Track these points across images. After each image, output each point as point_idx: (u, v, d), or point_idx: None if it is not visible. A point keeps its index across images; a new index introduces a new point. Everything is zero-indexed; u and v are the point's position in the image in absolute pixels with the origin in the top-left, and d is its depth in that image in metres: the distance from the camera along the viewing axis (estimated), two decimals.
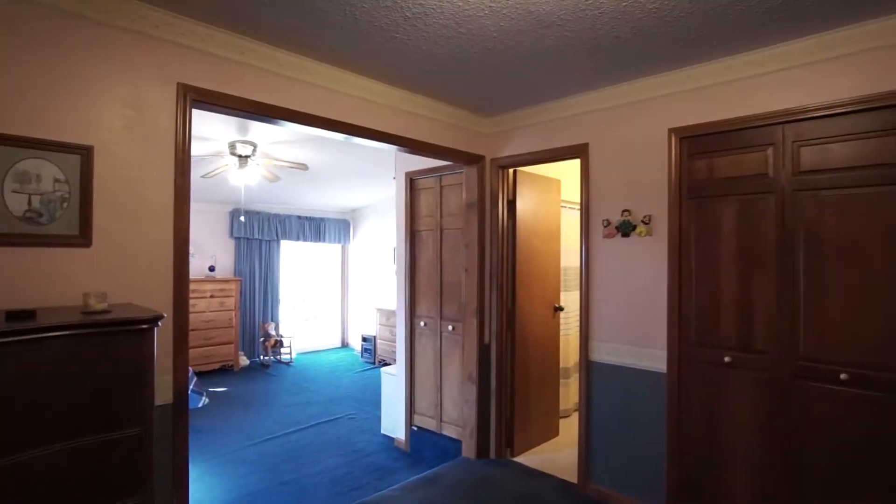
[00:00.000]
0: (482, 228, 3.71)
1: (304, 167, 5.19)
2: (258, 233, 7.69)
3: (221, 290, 7.00)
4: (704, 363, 2.70)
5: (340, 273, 9.17)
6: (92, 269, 1.95)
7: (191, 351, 6.50)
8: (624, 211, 3.00)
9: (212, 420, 4.94)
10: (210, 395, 5.48)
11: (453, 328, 3.90)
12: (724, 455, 2.64)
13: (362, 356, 7.93)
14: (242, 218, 7.23)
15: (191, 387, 4.57)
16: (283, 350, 7.76)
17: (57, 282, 1.86)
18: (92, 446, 1.48)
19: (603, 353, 3.11)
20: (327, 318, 9.03)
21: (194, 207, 7.07)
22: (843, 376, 2.26)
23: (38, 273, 1.83)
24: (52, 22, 1.88)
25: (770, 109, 2.48)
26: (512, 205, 3.77)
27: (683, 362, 2.77)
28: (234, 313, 7.08)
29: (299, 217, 8.22)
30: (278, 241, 8.02)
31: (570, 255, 4.53)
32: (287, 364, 7.62)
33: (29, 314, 1.49)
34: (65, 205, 1.90)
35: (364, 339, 7.89)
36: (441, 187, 4.02)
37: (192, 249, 6.83)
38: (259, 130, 4.49)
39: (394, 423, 4.38)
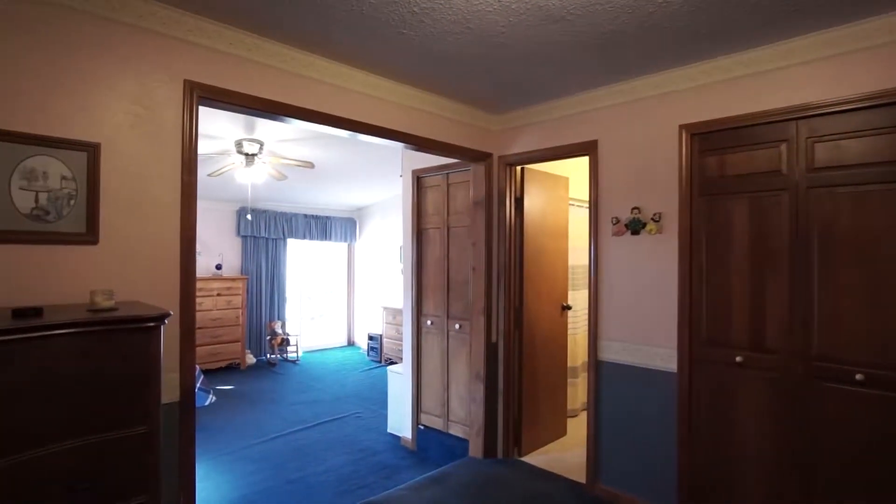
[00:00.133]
0: (490, 226, 3.68)
1: (310, 165, 5.18)
2: (265, 231, 7.70)
3: (228, 288, 7.01)
4: (715, 363, 2.66)
5: (346, 271, 9.17)
6: (99, 266, 1.94)
7: (198, 349, 6.55)
8: (633, 208, 2.97)
9: (218, 418, 4.95)
10: (217, 392, 5.51)
11: (460, 327, 3.88)
12: (735, 456, 2.60)
13: (368, 355, 7.93)
14: (249, 216, 7.24)
15: (198, 385, 4.59)
16: (289, 348, 7.77)
17: (64, 279, 1.86)
18: (98, 445, 1.48)
19: (612, 353, 3.08)
20: (333, 317, 9.04)
21: (201, 206, 7.07)
22: (858, 377, 2.22)
23: (45, 271, 1.82)
24: (59, 19, 1.87)
25: (783, 105, 2.44)
26: (520, 202, 3.75)
27: (694, 362, 2.73)
28: (240, 311, 7.09)
29: (306, 215, 8.22)
30: (285, 240, 8.03)
31: (577, 253, 4.49)
32: (293, 362, 7.63)
33: (36, 312, 1.49)
34: (72, 202, 1.89)
35: (370, 338, 7.89)
36: (448, 185, 4.00)
37: (199, 248, 6.87)
38: (265, 129, 4.48)
39: (400, 421, 4.37)
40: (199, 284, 6.65)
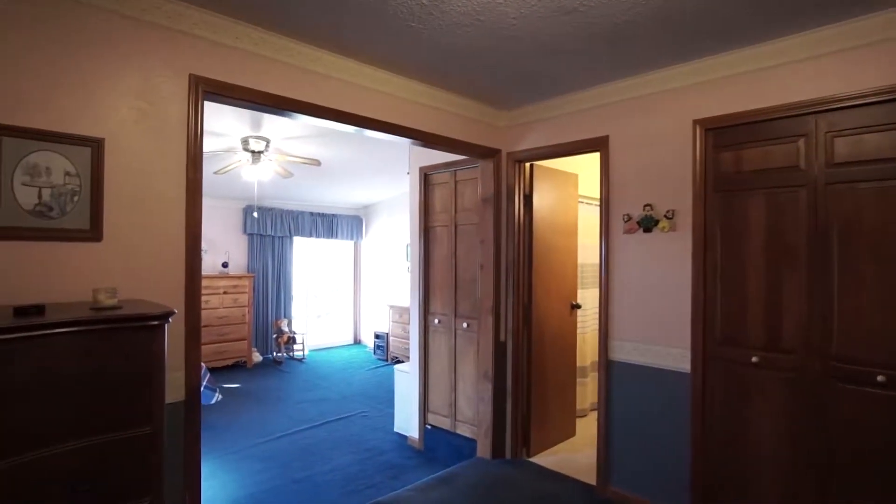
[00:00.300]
0: (498, 224, 3.63)
1: (316, 163, 5.15)
2: (271, 229, 7.69)
3: (235, 286, 7.01)
4: (730, 363, 2.60)
5: (353, 269, 9.15)
6: (103, 263, 1.91)
7: (204, 347, 6.54)
8: (646, 205, 2.91)
9: (225, 416, 4.93)
10: (223, 391, 5.50)
11: (468, 325, 3.83)
12: (750, 458, 2.54)
13: (375, 353, 7.90)
14: (255, 214, 7.23)
15: (204, 383, 4.57)
16: (295, 347, 7.76)
17: (67, 277, 1.83)
18: (100, 446, 1.44)
19: (623, 352, 3.02)
20: (340, 315, 9.02)
21: (207, 204, 7.09)
22: (880, 378, 2.15)
23: (48, 268, 1.79)
24: (63, 12, 1.84)
25: (802, 99, 2.37)
26: (528, 199, 3.69)
27: (708, 362, 2.67)
28: (247, 309, 7.08)
29: (312, 213, 8.20)
30: (291, 238, 8.01)
31: (586, 251, 4.43)
32: (300, 361, 7.62)
33: (38, 309, 1.45)
34: (75, 198, 1.86)
35: (377, 336, 7.86)
36: (456, 182, 3.95)
37: (205, 246, 6.87)
38: (272, 126, 4.45)
39: (407, 421, 4.33)
40: (205, 282, 6.64)
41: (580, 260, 4.28)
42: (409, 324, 6.67)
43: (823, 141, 2.33)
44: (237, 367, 7.01)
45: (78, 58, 1.87)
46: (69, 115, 1.85)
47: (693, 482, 2.70)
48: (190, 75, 2.14)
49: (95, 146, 1.90)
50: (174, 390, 2.05)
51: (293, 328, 7.89)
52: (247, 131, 4.60)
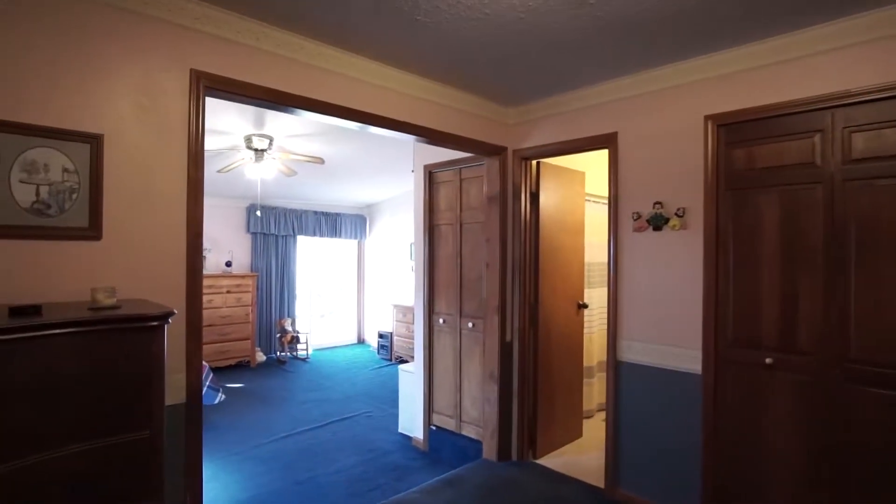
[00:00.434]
0: (504, 222, 3.58)
1: (320, 161, 5.11)
2: (274, 228, 7.65)
3: (238, 285, 6.97)
4: (743, 365, 2.54)
5: (356, 269, 9.11)
6: (102, 262, 1.87)
7: (207, 346, 6.51)
8: (656, 203, 2.85)
9: (228, 416, 4.90)
10: (226, 390, 5.46)
11: (473, 325, 3.78)
12: (763, 462, 2.48)
13: (378, 353, 7.86)
14: (258, 213, 7.19)
15: (207, 383, 4.54)
16: (299, 346, 7.73)
17: (66, 276, 1.79)
18: (99, 450, 1.40)
19: (632, 353, 2.96)
20: (343, 314, 8.99)
21: (210, 203, 7.06)
22: None
23: (46, 267, 1.75)
24: (61, 6, 1.80)
25: (818, 93, 2.31)
26: (535, 198, 3.63)
27: (720, 364, 2.61)
28: (250, 309, 7.05)
29: (315, 212, 8.17)
30: (294, 237, 7.98)
31: (593, 249, 4.37)
32: (303, 360, 7.59)
33: (34, 309, 1.41)
34: (74, 196, 1.82)
35: (380, 336, 7.82)
36: (461, 180, 3.90)
37: (208, 245, 6.85)
38: (275, 124, 4.41)
39: (411, 421, 4.28)
40: (208, 282, 6.61)
41: (587, 259, 4.23)
42: (413, 323, 6.63)
43: (840, 136, 2.27)
44: (240, 367, 6.98)
45: (77, 53, 1.83)
46: (68, 111, 1.80)
47: (704, 486, 2.65)
48: (191, 70, 2.09)
49: (94, 143, 1.86)
50: (175, 392, 2.01)
51: (297, 327, 7.85)
52: (250, 129, 4.56)
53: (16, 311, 1.38)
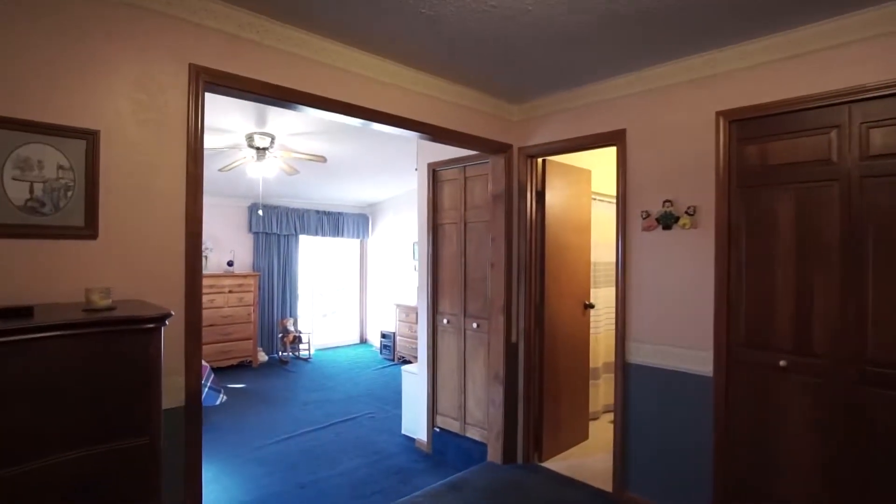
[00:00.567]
0: (509, 221, 3.52)
1: (322, 159, 5.05)
2: (276, 227, 7.60)
3: (240, 285, 6.93)
4: (756, 367, 2.48)
5: (359, 268, 9.06)
6: (98, 262, 1.82)
7: (209, 347, 6.47)
8: (665, 202, 2.78)
9: (230, 418, 4.85)
10: (228, 391, 5.41)
11: (478, 325, 3.72)
12: (777, 468, 2.41)
13: (381, 353, 7.81)
14: (260, 212, 7.15)
15: (208, 384, 4.49)
16: (301, 346, 7.68)
17: (60, 276, 1.73)
18: (93, 457, 1.34)
19: (641, 355, 2.90)
20: (346, 314, 8.94)
21: (212, 202, 6.97)
22: None
23: (40, 267, 1.70)
24: None
25: (834, 88, 2.24)
26: (541, 196, 3.57)
27: (732, 366, 2.55)
28: (252, 309, 7.00)
29: (318, 211, 8.11)
30: (297, 236, 7.93)
31: (599, 249, 4.31)
32: (305, 360, 7.54)
33: (25, 312, 1.36)
34: (69, 193, 1.77)
35: (383, 336, 7.77)
36: (465, 178, 3.84)
37: (210, 244, 6.81)
38: (277, 122, 4.36)
39: (415, 423, 4.23)
40: (210, 281, 6.57)
41: (593, 258, 4.16)
42: (415, 323, 6.57)
43: (858, 132, 2.20)
44: (242, 367, 6.94)
45: (72, 46, 1.77)
46: (63, 107, 1.75)
47: (715, 490, 2.58)
48: (190, 65, 2.04)
49: (90, 139, 1.80)
50: (174, 394, 1.96)
51: (299, 327, 7.81)
52: (251, 127, 4.51)
53: (6, 313, 1.33)
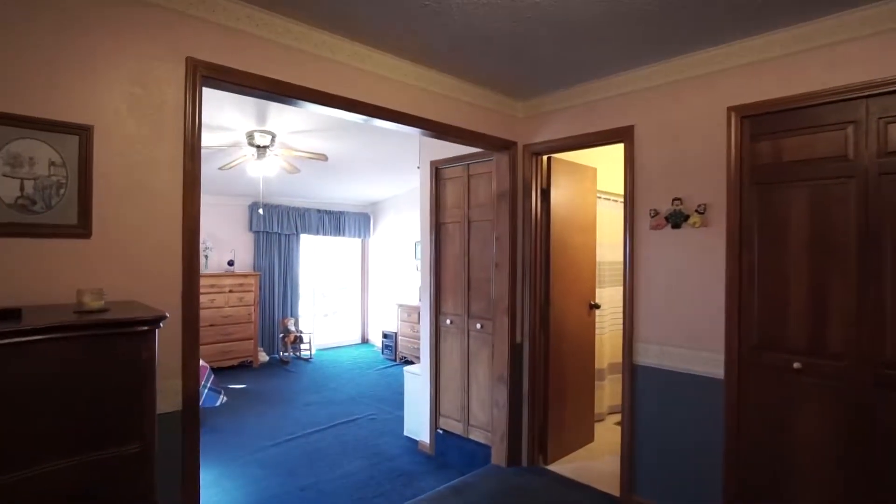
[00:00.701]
0: (514, 220, 3.45)
1: (323, 158, 4.99)
2: (277, 227, 7.54)
3: (240, 284, 6.87)
4: (768, 369, 2.41)
5: (360, 267, 9.00)
6: (92, 262, 1.76)
7: (209, 347, 6.43)
8: (675, 200, 2.72)
9: (230, 419, 4.80)
10: (228, 392, 5.36)
11: (482, 326, 3.66)
12: (791, 473, 2.35)
13: (383, 353, 7.75)
14: (261, 211, 7.09)
15: (208, 384, 4.44)
16: (302, 346, 7.62)
17: (53, 277, 1.67)
18: (82, 467, 1.28)
19: (649, 356, 2.83)
20: (347, 314, 8.88)
21: (212, 201, 6.92)
22: None
23: (31, 267, 1.64)
24: None
25: (851, 82, 2.17)
26: (546, 194, 3.51)
27: (744, 368, 2.48)
28: (253, 308, 6.95)
29: (319, 210, 8.05)
30: (298, 235, 7.87)
31: (603, 248, 4.25)
32: (307, 360, 7.48)
33: (13, 314, 1.30)
34: (61, 191, 1.71)
35: (385, 336, 7.71)
36: (468, 176, 3.77)
37: (210, 243, 6.75)
38: (277, 120, 4.30)
39: (417, 424, 4.17)
40: (211, 281, 6.52)
41: (598, 258, 4.10)
42: (418, 323, 6.52)
43: (876, 128, 2.13)
44: (243, 367, 6.88)
45: (65, 39, 1.71)
46: (55, 101, 1.69)
47: (725, 495, 2.52)
48: (187, 58, 1.98)
49: (84, 134, 1.74)
50: (171, 399, 1.90)
51: (300, 327, 7.75)
52: (252, 125, 4.45)
53: None
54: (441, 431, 3.94)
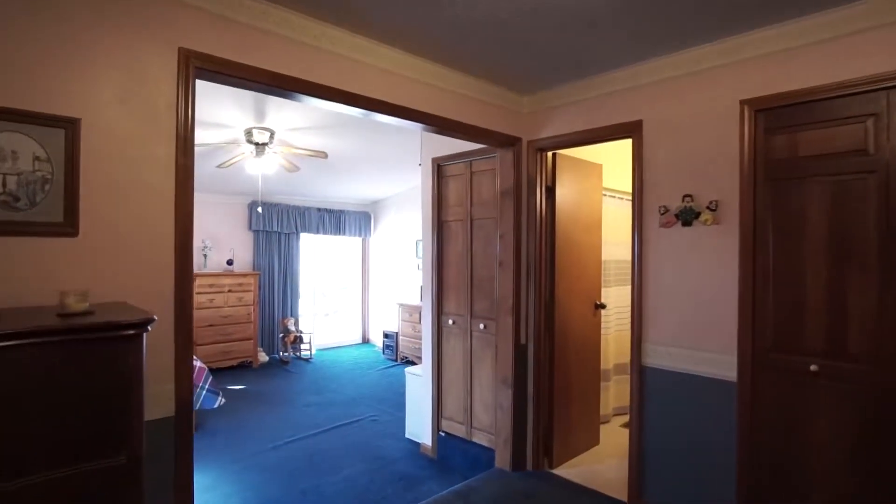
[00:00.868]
0: (518, 217, 3.36)
1: (323, 155, 4.91)
2: (277, 225, 7.46)
3: (240, 284, 6.79)
4: (784, 372, 2.33)
5: (361, 267, 8.92)
6: (79, 261, 1.68)
7: (208, 347, 6.35)
8: (685, 196, 2.63)
9: (228, 421, 4.72)
10: (227, 393, 5.28)
11: (485, 326, 3.58)
12: (805, 478, 2.26)
13: (384, 353, 7.67)
14: (260, 209, 7.00)
15: (206, 386, 4.35)
16: (302, 346, 7.54)
17: (37, 277, 1.59)
18: (64, 481, 1.20)
19: (658, 358, 2.75)
20: (348, 314, 8.80)
21: (211, 199, 6.83)
22: None
23: (13, 267, 1.56)
24: None
25: (871, 73, 2.09)
26: (551, 191, 3.42)
27: (757, 370, 2.40)
28: (252, 308, 6.87)
29: (319, 209, 7.97)
30: (298, 234, 7.78)
31: (609, 247, 4.16)
32: (307, 360, 7.40)
33: None
34: (47, 187, 1.62)
35: (386, 336, 7.63)
36: (471, 173, 3.68)
37: (209, 243, 6.67)
38: (276, 116, 4.22)
39: (419, 426, 4.08)
40: (210, 280, 6.44)
41: (603, 256, 4.01)
42: (419, 323, 6.44)
43: None
44: (242, 368, 6.80)
45: (51, 27, 1.63)
46: (39, 92, 1.61)
47: (739, 500, 2.43)
48: (179, 49, 1.89)
49: (70, 128, 1.66)
50: (163, 404, 1.82)
51: (300, 327, 7.67)
52: (250, 122, 4.37)
53: None
54: (443, 434, 3.86)
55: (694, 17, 2.22)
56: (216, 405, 4.44)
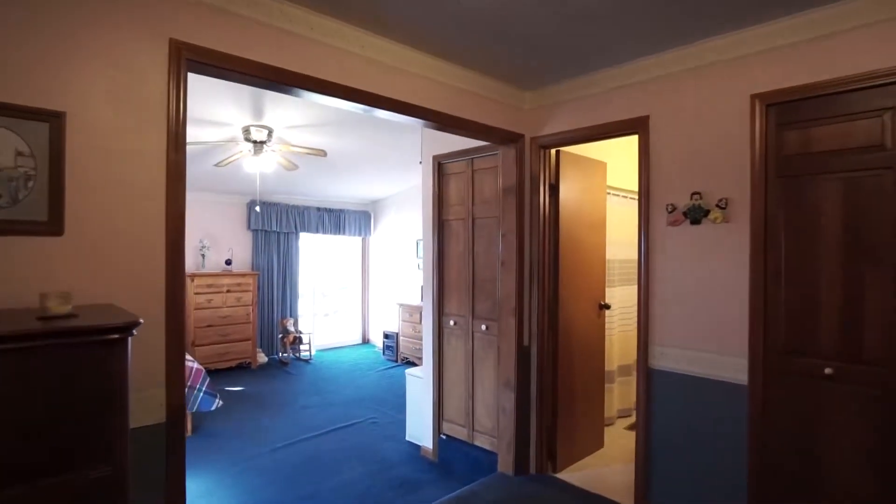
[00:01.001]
0: (521, 216, 3.29)
1: (322, 153, 4.83)
2: (276, 225, 7.39)
3: (238, 284, 6.72)
4: (797, 375, 2.25)
5: (361, 267, 8.85)
6: (64, 262, 1.60)
7: (207, 348, 6.28)
8: (694, 194, 2.56)
9: (226, 424, 4.64)
10: (225, 395, 5.22)
11: (487, 328, 3.50)
12: (821, 486, 2.19)
13: (384, 353, 7.60)
14: (258, 208, 6.93)
15: (203, 388, 4.28)
16: (302, 347, 7.47)
17: (19, 278, 1.52)
18: (43, 494, 1.13)
19: (666, 360, 2.68)
20: (348, 314, 8.73)
21: (209, 198, 6.75)
22: None
23: None
24: None
25: (888, 65, 2.01)
26: (554, 189, 3.35)
27: (769, 373, 2.32)
28: (251, 308, 6.79)
29: (318, 208, 7.90)
30: (297, 234, 7.71)
31: (612, 247, 4.09)
32: (306, 361, 7.33)
33: None
34: (30, 184, 1.55)
35: (386, 336, 7.55)
36: (472, 171, 3.61)
37: (207, 242, 6.59)
38: (274, 114, 4.14)
39: (420, 429, 4.01)
40: (208, 281, 6.38)
41: (607, 256, 3.94)
42: (419, 323, 6.37)
43: None
44: (241, 369, 6.73)
45: (34, 15, 1.56)
46: (21, 84, 1.53)
47: None
48: (171, 40, 1.82)
49: (55, 122, 1.59)
50: (153, 410, 1.75)
51: (299, 327, 7.60)
52: (248, 120, 4.30)
53: None
54: (444, 437, 3.79)
55: (702, 9, 2.14)
56: (213, 407, 4.37)
